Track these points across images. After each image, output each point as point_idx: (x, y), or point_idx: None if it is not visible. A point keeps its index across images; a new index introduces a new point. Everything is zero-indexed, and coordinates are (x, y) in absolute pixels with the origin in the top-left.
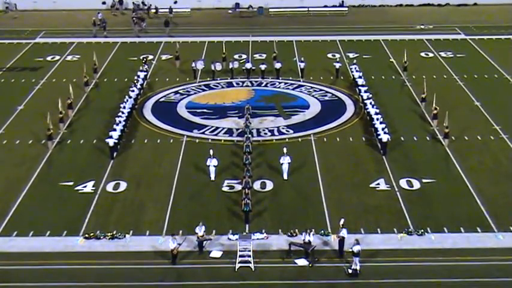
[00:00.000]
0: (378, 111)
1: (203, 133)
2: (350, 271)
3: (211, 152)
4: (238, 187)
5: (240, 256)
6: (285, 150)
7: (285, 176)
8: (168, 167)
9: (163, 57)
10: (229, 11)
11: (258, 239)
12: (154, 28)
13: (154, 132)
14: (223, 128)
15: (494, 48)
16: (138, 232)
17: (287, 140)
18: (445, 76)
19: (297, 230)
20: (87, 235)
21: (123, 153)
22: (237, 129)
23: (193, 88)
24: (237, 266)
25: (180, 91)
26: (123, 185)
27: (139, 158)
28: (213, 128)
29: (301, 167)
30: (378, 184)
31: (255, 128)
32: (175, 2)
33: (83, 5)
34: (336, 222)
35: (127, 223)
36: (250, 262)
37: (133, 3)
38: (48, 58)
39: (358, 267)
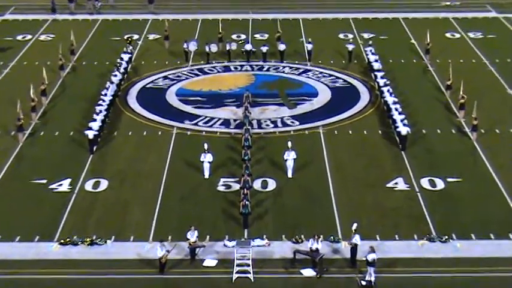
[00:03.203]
0: (396, 100)
1: (196, 124)
2: (364, 283)
3: (205, 146)
4: (236, 186)
5: (238, 265)
6: (289, 144)
7: (290, 174)
8: (156, 163)
9: (151, 37)
10: None
11: (258, 245)
12: (136, 4)
13: (139, 123)
14: (219, 119)
15: None
16: (121, 237)
17: (292, 132)
18: (473, 60)
19: (302, 236)
20: (62, 241)
21: (104, 147)
22: (235, 120)
23: (184, 73)
24: (234, 276)
25: (169, 76)
26: (104, 184)
27: (123, 153)
28: (208, 119)
29: (308, 164)
30: (396, 184)
31: (256, 119)
32: None
33: None
34: (348, 227)
35: (108, 227)
36: (249, 272)
37: None
38: (19, 37)
39: (373, 279)
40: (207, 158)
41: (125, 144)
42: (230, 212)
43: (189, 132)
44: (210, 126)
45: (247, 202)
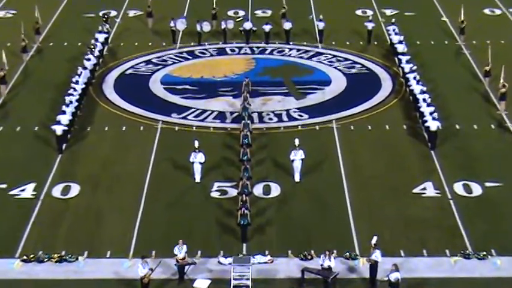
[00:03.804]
0: (424, 89)
1: (185, 118)
2: None
3: (196, 144)
4: (233, 192)
5: (235, 286)
6: (297, 142)
7: (297, 178)
8: (137, 164)
9: (131, 13)
10: None
11: (259, 263)
12: None
13: (118, 117)
14: (213, 112)
15: None
16: (95, 253)
17: (300, 128)
18: None
19: (312, 252)
20: (25, 257)
21: (76, 145)
22: (232, 113)
23: (171, 56)
24: None
25: (153, 60)
26: (75, 189)
27: (98, 152)
28: (199, 111)
29: (319, 165)
30: (424, 189)
31: (256, 112)
32: None
33: None
34: (367, 240)
35: (80, 240)
36: None
37: None
38: None
39: None
40: (198, 158)
41: (100, 141)
42: (226, 222)
43: (176, 128)
44: (202, 120)
45: (246, 211)
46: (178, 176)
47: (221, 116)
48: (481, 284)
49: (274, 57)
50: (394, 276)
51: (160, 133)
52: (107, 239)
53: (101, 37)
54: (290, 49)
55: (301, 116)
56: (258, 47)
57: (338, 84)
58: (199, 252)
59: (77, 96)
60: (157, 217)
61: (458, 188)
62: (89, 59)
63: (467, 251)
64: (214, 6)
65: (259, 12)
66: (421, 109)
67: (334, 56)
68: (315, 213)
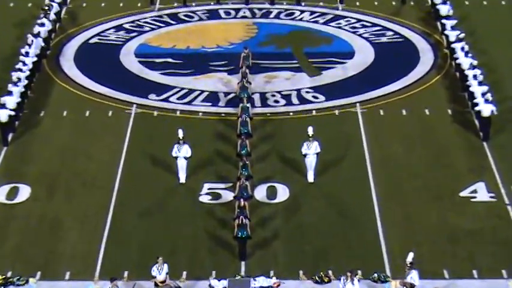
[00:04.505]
0: (475, 63)
1: (166, 100)
2: None
3: (180, 134)
4: (229, 196)
5: None
6: (310, 131)
7: (311, 177)
8: (105, 160)
9: None
10: None
11: (262, 287)
12: None
13: (80, 99)
14: (202, 92)
15: None
16: (51, 274)
17: (314, 113)
18: None
19: (330, 273)
20: None
21: (26, 135)
22: (226, 94)
23: (148, 21)
24: None
25: (125, 26)
26: (24, 192)
27: (54, 144)
28: (185, 92)
29: (339, 162)
30: (475, 192)
31: (258, 92)
32: None
33: None
34: (400, 258)
35: (32, 258)
36: None
37: None
38: None
39: None
40: (182, 153)
41: (57, 130)
42: (219, 235)
43: (155, 113)
44: (189, 102)
45: (245, 220)
46: (157, 175)
47: (213, 97)
48: None
49: (281, 21)
50: None
51: (134, 120)
52: (66, 256)
53: None
54: (301, 11)
55: (315, 97)
56: (260, 9)
57: (363, 56)
58: (184, 273)
59: (27, 73)
60: (131, 228)
61: None
62: (42, 24)
63: None
64: None
65: None
66: (471, 89)
67: (359, 20)
68: (333, 223)
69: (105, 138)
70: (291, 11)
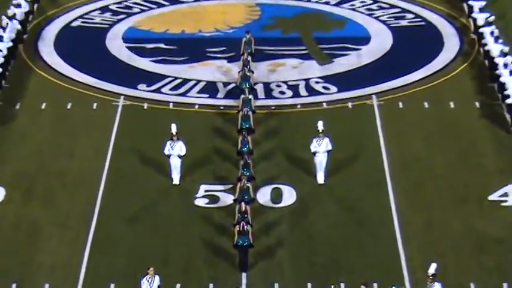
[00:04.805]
0: (506, 49)
1: (158, 91)
2: None
3: (173, 129)
4: (228, 199)
5: None
6: (320, 126)
7: (321, 178)
8: (89, 159)
9: None
10: None
11: None
12: None
13: (60, 89)
14: (198, 82)
15: None
16: (27, 287)
17: (325, 106)
18: None
19: (342, 286)
20: None
21: None
22: (226, 84)
23: (138, 1)
24: None
25: (111, 7)
26: None
27: (32, 141)
28: (178, 82)
29: (353, 160)
30: (505, 195)
31: (262, 82)
32: None
33: None
34: (421, 269)
35: (6, 268)
36: None
37: None
38: None
39: None
40: (176, 150)
41: (35, 125)
42: (217, 243)
43: (145, 105)
44: (183, 94)
45: (246, 227)
46: (147, 175)
47: (211, 88)
48: None
49: (287, 2)
50: None
51: (122, 113)
52: (44, 267)
53: None
54: None
55: (326, 88)
56: None
57: (380, 42)
58: (178, 286)
59: (1, 60)
60: (118, 235)
61: None
62: (18, 5)
63: None
64: None
65: None
66: (501, 79)
67: (375, 1)
68: (346, 230)
69: (89, 133)
70: None
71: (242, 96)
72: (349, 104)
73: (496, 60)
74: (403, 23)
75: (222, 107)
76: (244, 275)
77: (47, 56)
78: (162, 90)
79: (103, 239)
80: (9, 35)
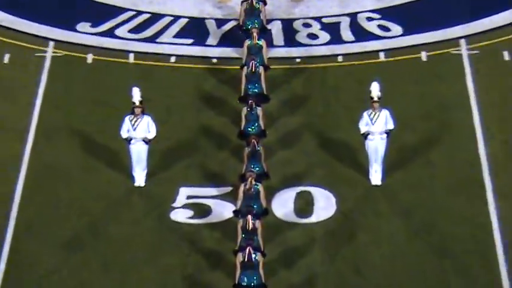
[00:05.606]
0: None
1: (109, 34)
2: None
3: (135, 96)
4: (225, 210)
5: None
6: (375, 91)
7: (376, 177)
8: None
9: None
10: None
11: None
12: None
13: None
14: (177, 18)
15: None
16: None
17: (382, 57)
18: None
19: None
20: None
21: None
22: (221, 23)
23: None
24: None
25: None
26: None
27: None
28: (144, 18)
29: (429, 148)
30: None
31: (280, 19)
32: None
33: None
34: None
35: None
36: None
37: None
38: None
39: None
40: (139, 131)
41: None
42: (206, 282)
43: (90, 57)
44: (151, 38)
45: (255, 255)
46: (92, 171)
47: (196, 27)
48: None
49: None
50: None
51: (50, 70)
52: None
53: None
54: None
55: (385, 28)
56: None
57: None
58: None
59: None
60: (43, 269)
61: None
62: None
63: None
64: None
65: None
66: None
67: None
68: (417, 261)
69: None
70: None
71: (248, 41)
72: (423, 54)
73: None
74: None
75: (214, 60)
76: None
77: None
78: (117, 31)
79: (19, 272)
80: None
